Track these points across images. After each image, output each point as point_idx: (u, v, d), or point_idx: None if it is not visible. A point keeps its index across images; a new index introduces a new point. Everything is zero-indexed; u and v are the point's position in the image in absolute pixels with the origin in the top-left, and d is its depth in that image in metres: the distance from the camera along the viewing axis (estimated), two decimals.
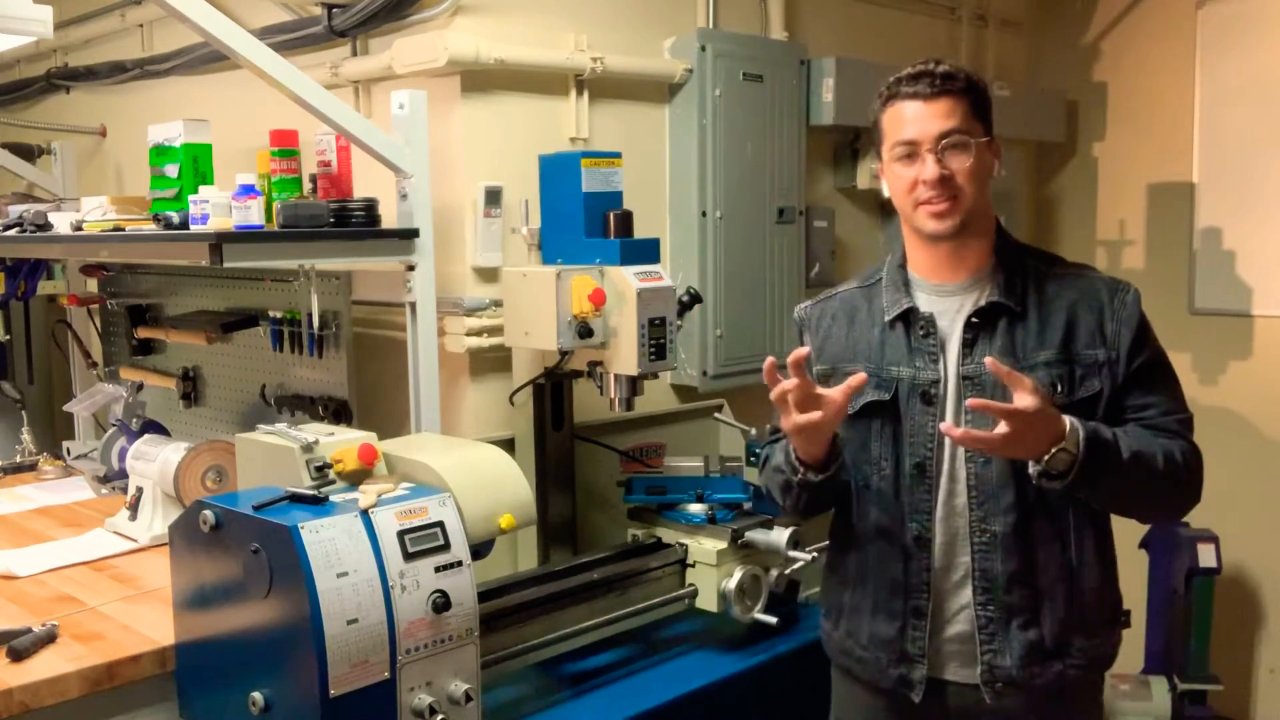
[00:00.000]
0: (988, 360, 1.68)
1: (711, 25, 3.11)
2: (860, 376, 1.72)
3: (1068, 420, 1.68)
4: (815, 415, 1.71)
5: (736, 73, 3.06)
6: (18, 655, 1.91)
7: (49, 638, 1.98)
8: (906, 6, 3.80)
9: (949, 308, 1.86)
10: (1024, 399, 1.63)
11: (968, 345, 1.83)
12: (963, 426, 1.75)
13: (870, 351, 1.90)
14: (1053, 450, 1.66)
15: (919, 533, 1.85)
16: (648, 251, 2.41)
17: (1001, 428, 1.63)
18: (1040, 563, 1.82)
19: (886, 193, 1.90)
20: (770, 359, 1.71)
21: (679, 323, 2.45)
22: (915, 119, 1.79)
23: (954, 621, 1.86)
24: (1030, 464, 1.71)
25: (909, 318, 1.88)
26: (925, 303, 1.88)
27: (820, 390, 1.73)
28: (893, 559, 1.88)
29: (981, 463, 1.82)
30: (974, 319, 1.83)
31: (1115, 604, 1.93)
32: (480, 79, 2.64)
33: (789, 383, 1.70)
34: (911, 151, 1.79)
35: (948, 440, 1.79)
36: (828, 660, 2.07)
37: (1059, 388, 1.78)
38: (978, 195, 1.80)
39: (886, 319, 1.89)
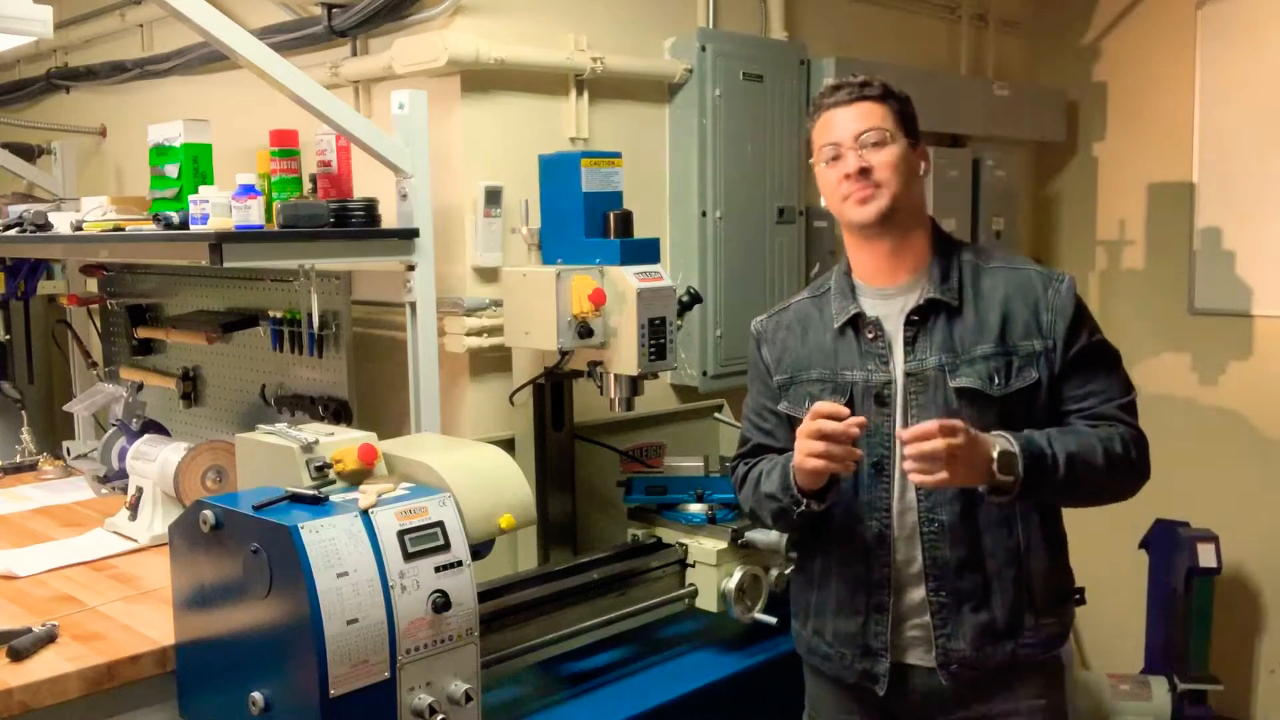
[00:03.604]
0: (899, 432, 1.78)
1: (711, 25, 3.11)
2: (860, 419, 1.78)
3: (996, 444, 1.75)
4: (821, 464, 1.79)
5: (736, 73, 3.06)
6: (18, 655, 1.91)
7: (49, 638, 1.98)
8: (906, 6, 3.80)
9: (892, 310, 1.93)
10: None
11: (909, 343, 1.90)
12: (910, 424, 1.83)
13: (824, 358, 1.97)
14: (996, 473, 1.74)
15: (879, 530, 1.90)
16: (648, 251, 2.41)
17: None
18: (988, 548, 1.88)
19: (824, 203, 1.98)
20: (856, 420, 1.78)
21: (679, 323, 2.45)
22: (837, 123, 1.90)
23: (914, 611, 1.91)
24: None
25: (857, 322, 1.94)
26: (871, 307, 1.94)
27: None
28: (855, 558, 1.94)
29: None
30: (913, 316, 1.90)
31: (1065, 583, 1.99)
32: (480, 79, 2.64)
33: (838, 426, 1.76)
34: (836, 153, 1.89)
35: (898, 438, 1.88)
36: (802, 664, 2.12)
37: (996, 380, 1.85)
38: (902, 189, 1.88)
39: (836, 325, 1.96)
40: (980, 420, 1.81)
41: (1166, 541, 3.71)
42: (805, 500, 1.87)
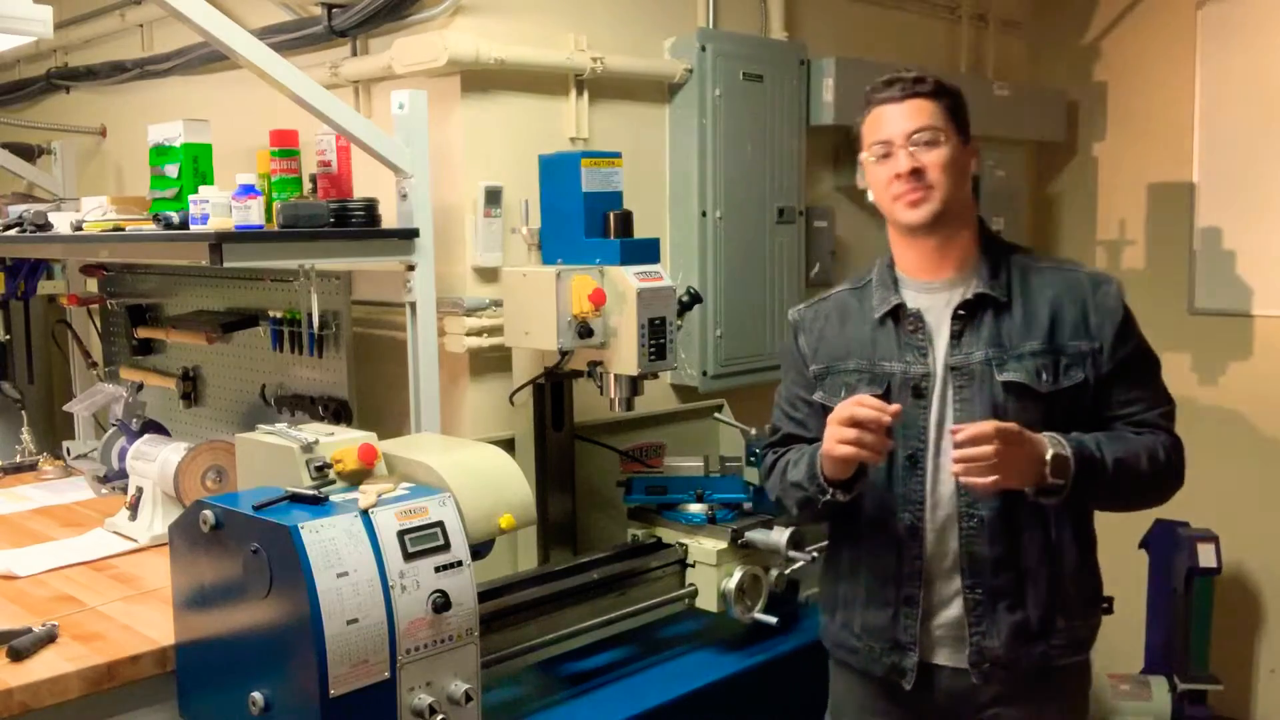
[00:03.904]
0: (951, 429, 1.77)
1: (711, 25, 3.11)
2: (896, 407, 1.78)
3: (1049, 446, 1.76)
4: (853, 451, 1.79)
5: (736, 73, 3.06)
6: (18, 655, 1.91)
7: (49, 638, 1.98)
8: (906, 6, 3.80)
9: (936, 303, 1.92)
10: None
11: (955, 336, 1.89)
12: (950, 415, 1.85)
13: (862, 348, 1.96)
14: (1048, 476, 1.75)
15: (911, 523, 1.89)
16: (648, 251, 2.41)
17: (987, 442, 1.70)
18: (1024, 545, 1.88)
19: (871, 197, 1.95)
20: (892, 409, 1.77)
21: (679, 323, 2.45)
22: (889, 120, 1.87)
23: (945, 607, 1.90)
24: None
25: (898, 314, 1.93)
26: (913, 299, 1.93)
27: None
28: (885, 550, 1.93)
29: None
30: (961, 310, 1.89)
31: (1095, 586, 1.98)
32: (480, 79, 2.64)
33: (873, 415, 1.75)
34: (887, 151, 1.87)
35: (934, 430, 1.87)
36: (827, 659, 2.10)
37: (1043, 376, 1.84)
38: (953, 189, 1.86)
39: (876, 316, 1.95)
40: (1024, 416, 1.80)
41: (1166, 541, 3.71)
42: (831, 490, 1.86)
